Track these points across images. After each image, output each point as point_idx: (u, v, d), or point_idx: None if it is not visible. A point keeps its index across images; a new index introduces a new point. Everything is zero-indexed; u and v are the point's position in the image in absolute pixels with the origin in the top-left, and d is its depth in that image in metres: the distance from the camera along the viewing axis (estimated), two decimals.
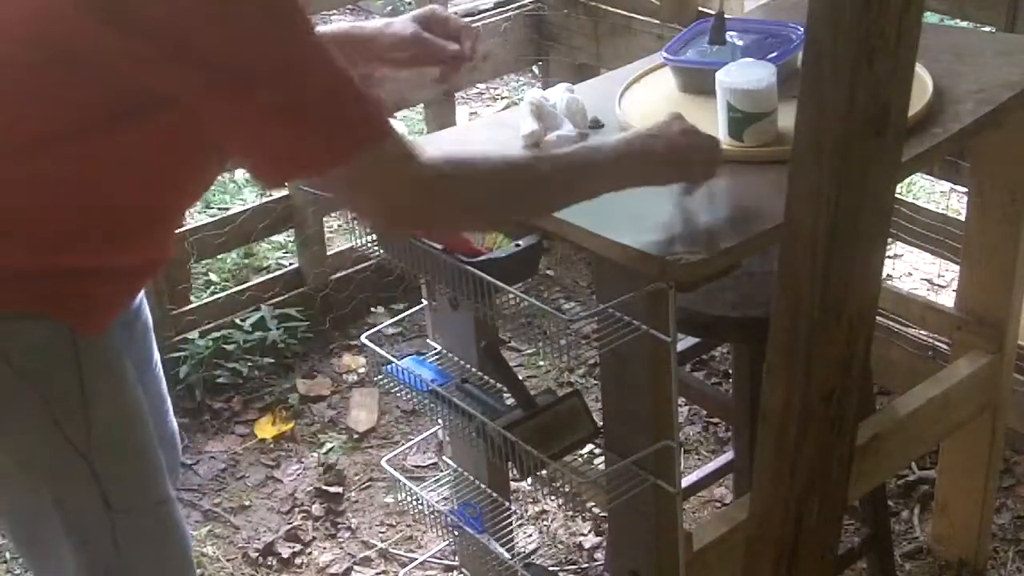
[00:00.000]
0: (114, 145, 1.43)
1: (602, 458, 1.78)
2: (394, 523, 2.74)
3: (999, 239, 2.13)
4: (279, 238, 3.60)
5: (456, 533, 2.10)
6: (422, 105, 3.57)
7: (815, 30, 1.23)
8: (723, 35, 2.00)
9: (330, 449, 2.94)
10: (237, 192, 3.97)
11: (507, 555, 2.09)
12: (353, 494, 2.83)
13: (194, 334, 3.13)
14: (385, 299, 3.38)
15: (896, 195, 1.91)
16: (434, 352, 2.04)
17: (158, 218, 1.59)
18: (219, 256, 3.39)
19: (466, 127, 3.27)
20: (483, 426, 1.74)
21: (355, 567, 2.63)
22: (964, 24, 2.65)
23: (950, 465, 2.42)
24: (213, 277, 3.50)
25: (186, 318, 3.11)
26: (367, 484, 2.86)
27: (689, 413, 2.96)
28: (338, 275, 3.34)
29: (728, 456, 2.43)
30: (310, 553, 2.68)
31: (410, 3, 5.11)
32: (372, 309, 3.39)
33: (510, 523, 2.15)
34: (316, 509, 2.78)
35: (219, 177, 3.71)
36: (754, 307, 1.94)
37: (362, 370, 3.21)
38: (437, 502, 2.08)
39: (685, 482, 2.30)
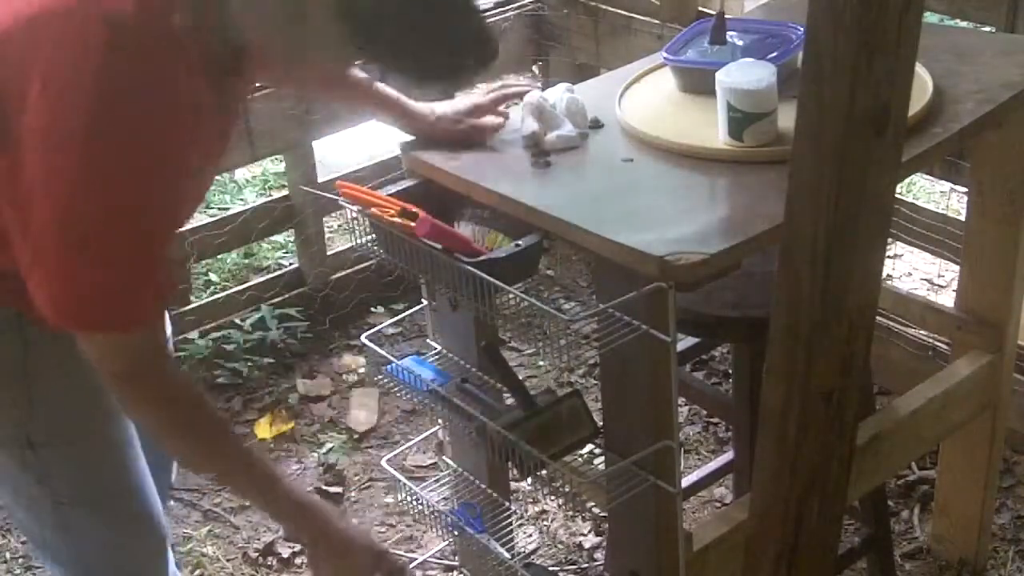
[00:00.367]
0: None
1: (602, 458, 1.78)
2: (394, 523, 2.74)
3: (999, 239, 2.13)
4: (279, 238, 3.60)
5: (456, 533, 2.10)
6: None
7: (815, 30, 1.23)
8: (723, 35, 2.00)
9: (330, 449, 2.94)
10: (237, 192, 3.97)
11: (507, 555, 2.09)
12: (353, 494, 2.83)
13: (194, 334, 3.13)
14: (385, 299, 3.38)
15: (896, 195, 1.91)
16: (434, 352, 2.04)
17: None
18: (219, 256, 3.39)
19: None
20: (483, 426, 1.74)
21: None
22: (964, 24, 2.65)
23: (950, 465, 2.42)
24: (213, 277, 3.50)
25: (186, 318, 3.11)
26: (367, 484, 2.86)
27: (689, 413, 2.96)
28: (338, 275, 3.34)
29: (728, 456, 2.43)
30: None
31: None
32: (372, 309, 3.39)
33: (510, 523, 2.15)
34: None
35: (218, 177, 3.72)
36: (754, 307, 1.94)
37: (362, 370, 3.21)
38: (437, 502, 2.08)
39: (685, 482, 2.30)
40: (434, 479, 2.25)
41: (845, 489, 1.53)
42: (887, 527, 2.28)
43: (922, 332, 2.76)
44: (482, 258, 1.66)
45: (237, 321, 3.21)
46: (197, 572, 2.63)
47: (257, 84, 2.50)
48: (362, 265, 3.33)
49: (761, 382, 1.45)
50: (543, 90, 1.91)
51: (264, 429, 3.02)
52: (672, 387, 1.63)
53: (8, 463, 1.67)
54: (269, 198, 3.27)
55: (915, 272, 3.39)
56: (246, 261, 3.61)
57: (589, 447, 1.80)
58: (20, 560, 2.64)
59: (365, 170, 3.24)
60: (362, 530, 1.72)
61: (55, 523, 1.71)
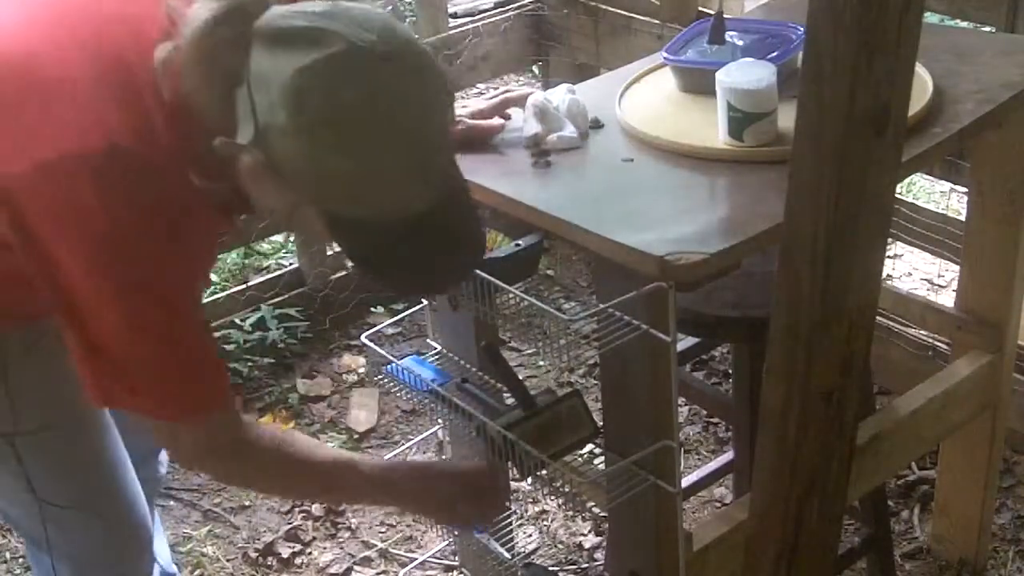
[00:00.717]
0: None
1: (602, 458, 1.78)
2: (394, 523, 2.74)
3: (999, 239, 2.13)
4: (279, 238, 3.60)
5: (456, 533, 2.10)
6: None
7: (815, 30, 1.23)
8: (723, 35, 2.00)
9: None
10: None
11: (507, 555, 2.09)
12: None
13: None
14: (385, 299, 3.38)
15: (896, 195, 1.91)
16: (434, 352, 2.04)
17: None
18: (219, 256, 3.39)
19: None
20: (483, 426, 1.74)
21: (355, 567, 2.63)
22: (964, 24, 2.65)
23: (950, 465, 2.42)
24: (213, 277, 3.50)
25: None
26: None
27: (689, 413, 2.96)
28: (338, 275, 3.34)
29: (728, 456, 2.43)
30: (310, 553, 2.68)
31: (410, 3, 5.12)
32: (372, 309, 3.39)
33: (510, 523, 2.15)
34: (316, 509, 2.78)
35: None
36: (754, 307, 1.94)
37: (362, 370, 3.21)
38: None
39: (685, 482, 2.30)
40: None
41: (845, 489, 1.53)
42: (887, 527, 2.28)
43: (922, 332, 2.76)
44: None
45: (237, 321, 3.21)
46: (197, 572, 2.63)
47: None
48: None
49: (761, 382, 1.45)
50: (544, 90, 1.91)
51: None
52: (672, 387, 1.63)
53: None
54: None
55: (915, 272, 3.39)
56: (246, 261, 3.61)
57: (589, 447, 1.79)
58: (20, 560, 2.64)
59: None
60: (457, 469, 1.90)
61: (42, 517, 1.72)
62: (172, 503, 2.82)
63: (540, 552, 2.64)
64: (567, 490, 1.73)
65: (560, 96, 1.87)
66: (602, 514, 1.95)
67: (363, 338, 1.97)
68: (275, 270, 3.47)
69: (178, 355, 1.47)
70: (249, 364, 3.16)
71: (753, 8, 2.64)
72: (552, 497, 1.77)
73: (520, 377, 1.84)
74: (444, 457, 2.40)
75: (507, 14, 3.51)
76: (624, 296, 1.55)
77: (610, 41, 3.31)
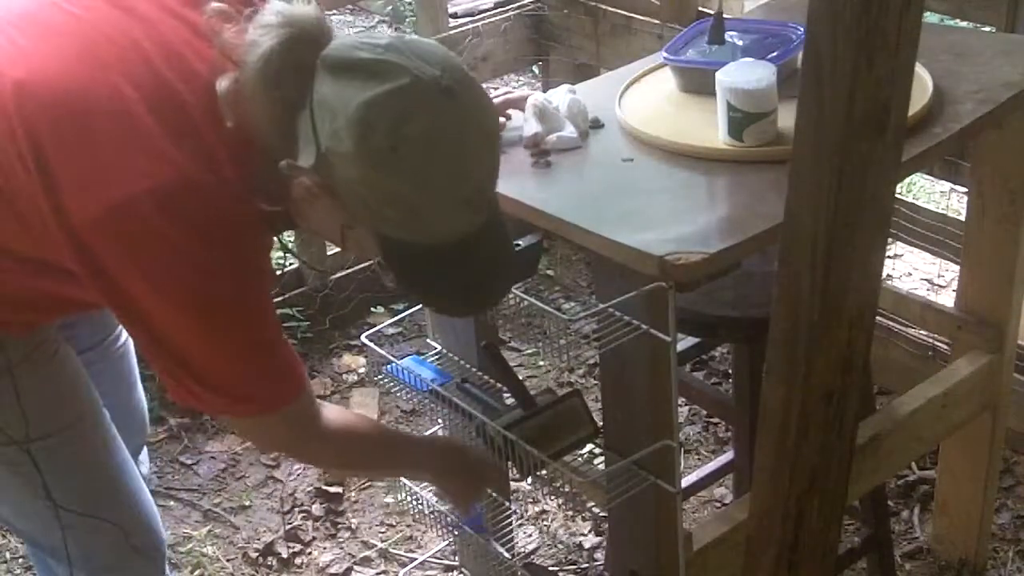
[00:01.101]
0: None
1: (602, 458, 1.78)
2: (394, 523, 2.74)
3: (999, 239, 2.13)
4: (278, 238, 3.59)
5: (456, 533, 2.10)
6: None
7: (815, 30, 1.23)
8: (723, 35, 2.00)
9: None
10: None
11: (507, 555, 2.09)
12: (353, 494, 2.83)
13: None
14: (385, 299, 3.38)
15: (896, 195, 1.91)
16: (434, 352, 2.04)
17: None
18: None
19: None
20: (483, 426, 1.74)
21: (355, 567, 2.63)
22: (964, 24, 2.65)
23: (950, 465, 2.42)
24: None
25: None
26: (367, 484, 2.85)
27: (689, 413, 2.96)
28: (338, 275, 3.34)
29: (728, 456, 2.43)
30: (310, 553, 2.68)
31: (410, 3, 5.12)
32: (372, 309, 3.39)
33: (510, 523, 2.15)
34: (316, 509, 2.78)
35: None
36: (754, 307, 1.94)
37: (362, 370, 3.21)
38: (437, 502, 2.08)
39: (685, 482, 2.30)
40: None
41: (845, 489, 1.53)
42: (887, 527, 2.28)
43: (922, 332, 2.76)
44: None
45: None
46: (197, 572, 2.63)
47: None
48: (362, 265, 3.33)
49: (761, 382, 1.45)
50: (544, 91, 1.91)
51: None
52: (672, 387, 1.63)
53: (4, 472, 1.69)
54: None
55: (915, 272, 3.39)
56: None
57: (589, 447, 1.80)
58: (20, 560, 2.64)
59: None
60: (459, 450, 1.93)
61: (60, 524, 1.72)
62: (172, 503, 2.82)
63: (540, 552, 2.64)
64: (567, 490, 1.73)
65: (560, 96, 1.87)
66: (602, 514, 1.95)
67: (363, 338, 1.98)
68: (276, 269, 3.46)
69: (259, 360, 1.54)
70: None
71: (753, 8, 2.64)
72: (552, 497, 1.77)
73: (520, 377, 1.84)
74: None
75: (507, 14, 3.51)
76: (624, 296, 1.55)
77: (610, 41, 3.31)
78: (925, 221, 2.80)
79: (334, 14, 4.97)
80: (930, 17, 3.00)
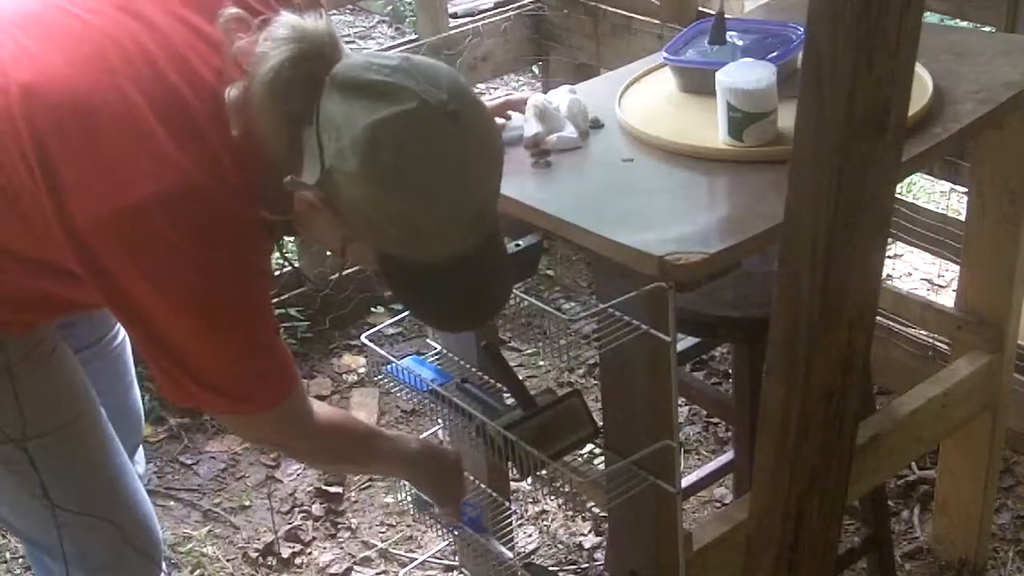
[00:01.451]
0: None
1: (602, 458, 1.78)
2: (394, 523, 2.74)
3: (999, 239, 2.13)
4: None
5: (456, 533, 2.10)
6: None
7: (815, 30, 1.23)
8: (723, 35, 2.00)
9: None
10: None
11: (507, 555, 2.09)
12: (353, 494, 2.83)
13: None
14: (385, 299, 3.38)
15: (896, 195, 1.91)
16: (434, 352, 2.04)
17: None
18: None
19: None
20: (483, 426, 1.74)
21: (355, 567, 2.63)
22: (964, 24, 2.65)
23: (950, 465, 2.42)
24: None
25: None
26: (367, 484, 2.86)
27: (689, 413, 2.96)
28: (338, 275, 3.33)
29: (728, 456, 2.43)
30: (310, 553, 2.68)
31: (410, 3, 5.12)
32: (372, 309, 3.39)
33: (510, 523, 2.15)
34: (316, 509, 2.78)
35: None
36: (754, 307, 1.94)
37: (362, 370, 3.21)
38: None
39: (685, 482, 2.30)
40: None
41: (845, 489, 1.53)
42: (887, 527, 2.28)
43: (922, 332, 2.76)
44: None
45: None
46: (197, 572, 2.63)
47: None
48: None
49: (761, 382, 1.45)
50: (544, 91, 1.91)
51: None
52: (672, 387, 1.63)
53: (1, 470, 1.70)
54: None
55: (915, 272, 3.39)
56: None
57: (589, 447, 1.80)
58: (20, 560, 2.64)
59: None
60: (435, 452, 1.98)
61: (56, 523, 1.72)
62: (172, 503, 2.82)
63: (540, 552, 2.64)
64: (567, 490, 1.73)
65: (560, 96, 1.87)
66: (602, 514, 1.95)
67: (363, 338, 1.98)
68: (275, 270, 3.46)
69: (257, 360, 1.56)
70: None
71: (753, 8, 2.64)
72: (552, 497, 1.77)
73: (520, 377, 1.84)
74: None
75: (507, 14, 3.51)
76: (624, 296, 1.55)
77: (610, 41, 3.31)
78: (925, 221, 2.80)
79: (334, 14, 4.97)
80: (930, 17, 3.00)
